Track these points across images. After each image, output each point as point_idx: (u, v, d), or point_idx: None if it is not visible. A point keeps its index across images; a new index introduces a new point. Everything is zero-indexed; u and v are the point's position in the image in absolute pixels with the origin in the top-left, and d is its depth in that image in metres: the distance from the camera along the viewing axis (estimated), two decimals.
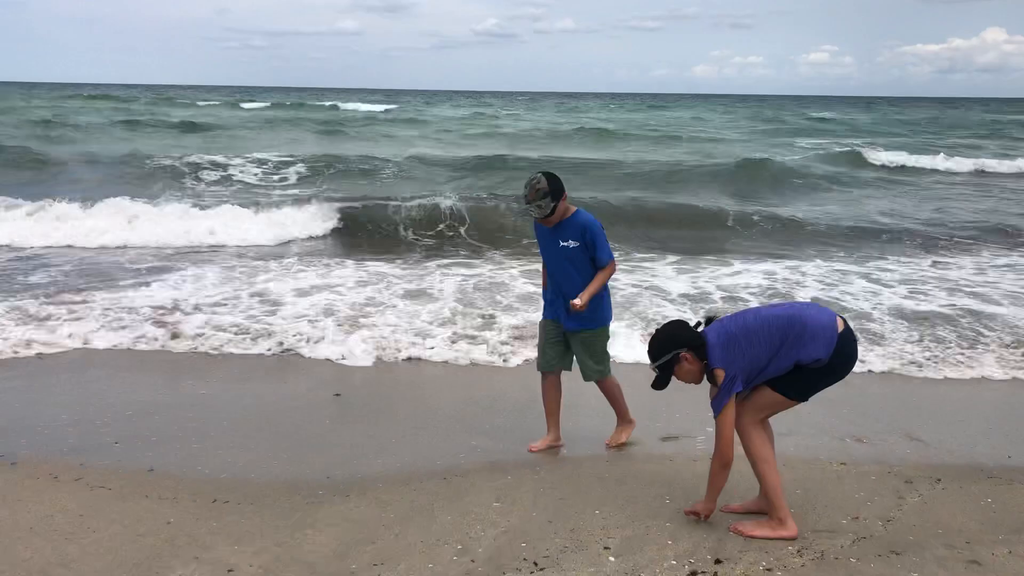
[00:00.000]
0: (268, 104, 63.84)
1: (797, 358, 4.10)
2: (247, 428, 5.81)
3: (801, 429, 5.65)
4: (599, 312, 5.25)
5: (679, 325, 4.29)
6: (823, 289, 10.37)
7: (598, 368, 5.36)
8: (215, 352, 7.54)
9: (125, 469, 4.98)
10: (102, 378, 6.89)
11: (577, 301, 5.01)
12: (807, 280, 10.97)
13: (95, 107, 52.44)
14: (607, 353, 5.41)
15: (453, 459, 5.22)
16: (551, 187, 5.00)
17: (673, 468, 5.08)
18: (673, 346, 4.18)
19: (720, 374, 4.10)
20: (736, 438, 4.21)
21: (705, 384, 4.26)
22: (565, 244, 5.12)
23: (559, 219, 5.12)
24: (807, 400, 4.27)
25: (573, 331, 5.27)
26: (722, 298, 9.77)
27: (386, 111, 59.56)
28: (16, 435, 5.55)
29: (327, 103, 68.97)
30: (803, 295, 9.99)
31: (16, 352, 7.39)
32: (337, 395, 6.49)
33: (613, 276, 5.30)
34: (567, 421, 5.53)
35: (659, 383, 4.26)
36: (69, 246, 12.47)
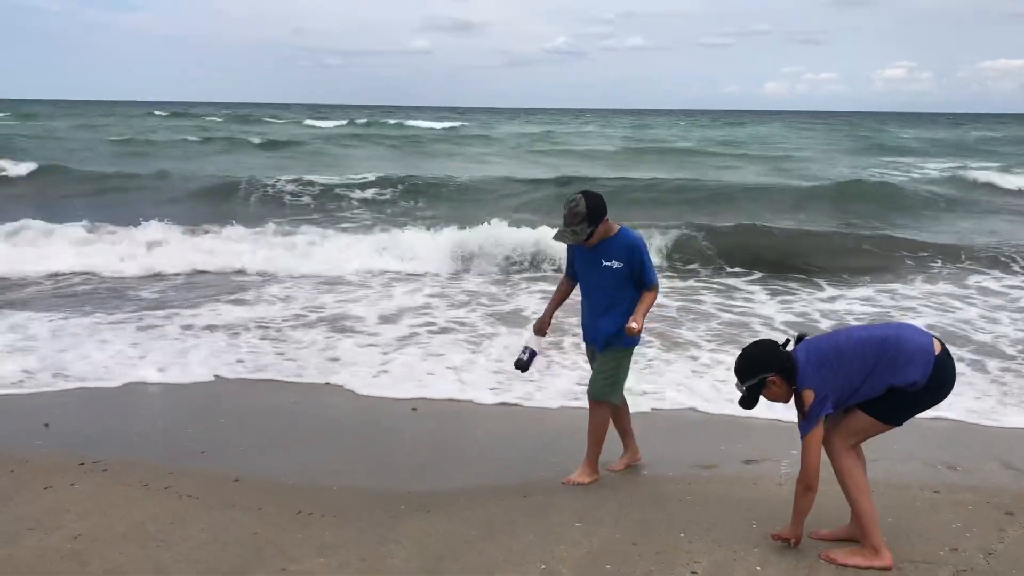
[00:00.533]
0: (345, 122, 65.07)
1: (892, 381, 3.97)
2: (327, 439, 5.90)
3: (889, 454, 5.46)
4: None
5: (768, 346, 4.19)
6: (935, 316, 9.89)
7: (605, 388, 5.03)
8: (287, 379, 7.45)
9: (212, 478, 5.07)
10: (189, 388, 7.05)
11: (634, 325, 4.76)
12: (914, 304, 10.53)
13: (176, 125, 54.04)
14: (619, 381, 5.08)
15: (532, 476, 5.19)
16: (589, 211, 4.74)
17: (757, 492, 4.96)
18: (761, 369, 4.08)
19: (809, 396, 4.00)
20: (826, 461, 4.09)
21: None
22: (608, 264, 4.89)
23: (600, 238, 4.88)
24: (901, 424, 4.13)
25: (602, 349, 5.07)
26: (831, 327, 9.35)
27: (455, 128, 60.03)
28: (107, 442, 5.72)
29: (401, 121, 69.34)
30: (915, 323, 9.55)
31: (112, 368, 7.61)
32: (414, 409, 6.53)
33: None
34: (648, 441, 5.45)
35: (746, 403, 4.17)
36: (176, 273, 12.26)
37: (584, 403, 5.21)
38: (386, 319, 9.45)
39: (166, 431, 6.01)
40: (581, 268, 5.07)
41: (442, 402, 6.78)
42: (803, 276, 12.36)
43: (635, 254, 4.86)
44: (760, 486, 5.05)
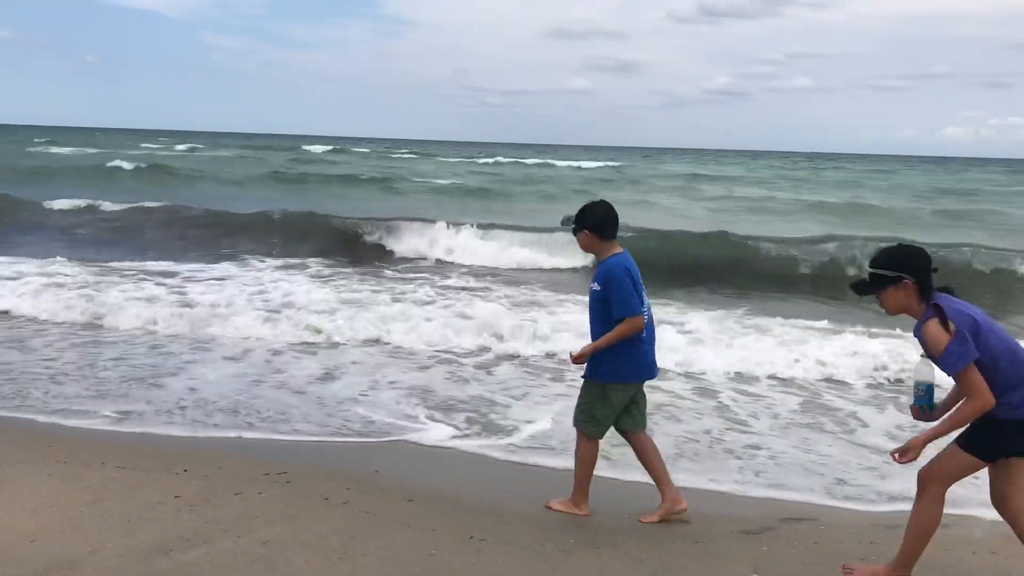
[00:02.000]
0: (537, 161, 64.28)
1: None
2: (499, 466, 6.01)
3: None
4: (595, 363, 4.90)
5: (922, 254, 3.88)
6: None
7: (578, 416, 5.04)
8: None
9: (387, 496, 5.23)
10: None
11: (571, 352, 4.93)
12: None
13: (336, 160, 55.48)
14: (592, 414, 4.96)
15: (704, 519, 5.04)
16: (579, 214, 4.88)
17: (950, 558, 4.62)
18: (904, 268, 3.81)
19: (952, 327, 3.68)
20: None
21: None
22: (592, 285, 4.89)
23: (591, 252, 4.98)
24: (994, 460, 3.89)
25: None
26: None
27: (619, 167, 59.54)
28: (289, 454, 6.02)
29: (576, 162, 66.57)
30: None
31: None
32: None
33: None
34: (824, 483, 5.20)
35: (860, 288, 3.95)
36: None
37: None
38: None
39: (345, 446, 6.29)
40: None
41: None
42: None
43: (608, 280, 4.77)
44: (954, 552, 4.71)
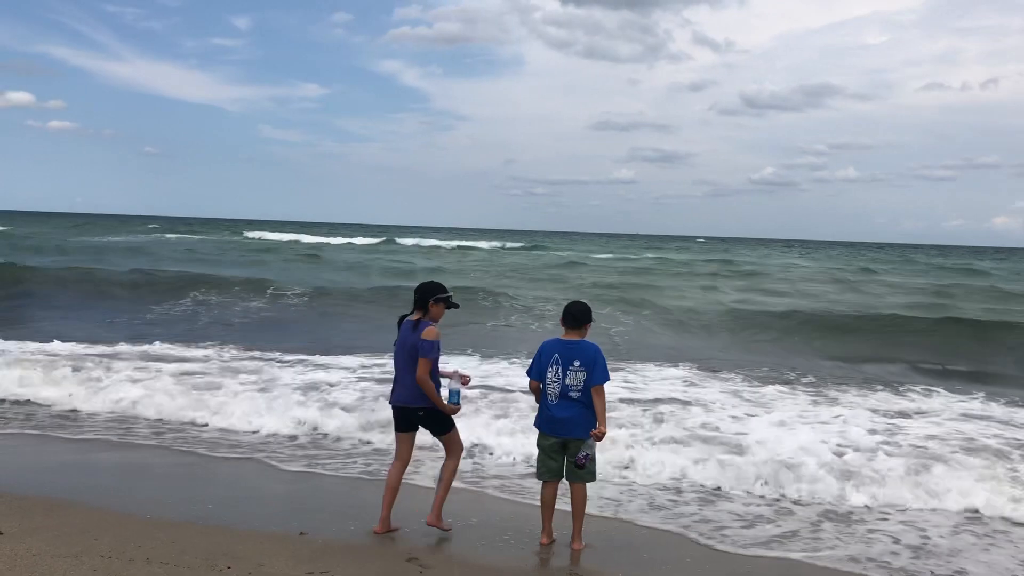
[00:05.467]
0: (612, 255, 63.64)
1: None
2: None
3: None
4: None
5: (420, 288, 6.18)
6: None
7: None
8: None
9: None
10: None
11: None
12: None
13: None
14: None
15: None
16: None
17: None
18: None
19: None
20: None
21: None
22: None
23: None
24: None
25: None
26: None
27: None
28: (331, 550, 5.86)
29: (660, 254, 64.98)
30: None
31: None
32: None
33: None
34: None
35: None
36: None
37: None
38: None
39: (381, 540, 6.13)
40: None
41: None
42: None
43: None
44: None
